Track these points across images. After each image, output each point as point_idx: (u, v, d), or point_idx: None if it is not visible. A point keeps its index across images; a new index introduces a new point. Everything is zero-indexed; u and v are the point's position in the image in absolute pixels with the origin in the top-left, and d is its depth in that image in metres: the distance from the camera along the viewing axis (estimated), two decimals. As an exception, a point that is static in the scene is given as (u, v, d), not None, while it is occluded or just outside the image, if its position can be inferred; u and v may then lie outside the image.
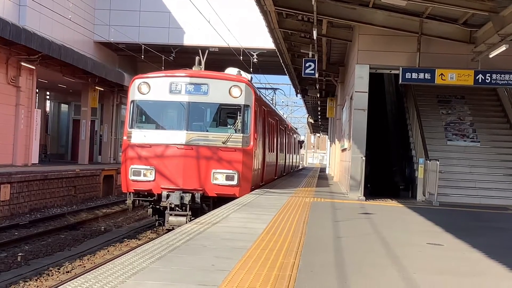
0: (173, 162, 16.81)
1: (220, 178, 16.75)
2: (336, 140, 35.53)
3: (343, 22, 19.67)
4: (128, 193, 17.27)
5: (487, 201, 19.34)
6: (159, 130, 17.58)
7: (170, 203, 16.18)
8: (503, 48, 16.76)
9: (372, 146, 20.59)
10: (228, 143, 16.97)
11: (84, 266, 14.00)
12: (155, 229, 19.28)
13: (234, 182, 16.79)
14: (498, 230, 12.80)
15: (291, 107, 78.88)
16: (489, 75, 18.24)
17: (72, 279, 8.26)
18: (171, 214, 16.34)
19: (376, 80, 22.48)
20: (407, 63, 18.92)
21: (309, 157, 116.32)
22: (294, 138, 46.14)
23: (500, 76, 18.24)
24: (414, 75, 18.72)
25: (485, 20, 17.16)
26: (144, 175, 16.74)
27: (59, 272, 13.23)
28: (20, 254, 14.79)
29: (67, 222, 20.96)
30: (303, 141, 71.33)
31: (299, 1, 18.30)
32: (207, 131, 17.39)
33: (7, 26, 22.76)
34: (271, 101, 37.49)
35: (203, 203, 16.62)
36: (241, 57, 35.66)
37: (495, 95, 24.19)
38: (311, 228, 10.73)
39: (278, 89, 44.72)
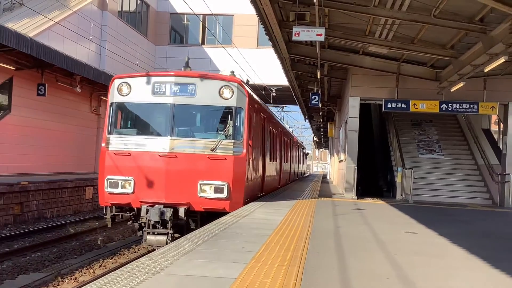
0: (155, 172, 11.67)
1: (208, 191, 11.60)
2: (334, 153, 35.41)
3: (340, 65, 19.73)
4: (105, 207, 12.08)
5: (450, 200, 19.15)
6: (140, 136, 12.19)
7: (148, 220, 11.18)
8: (461, 84, 16.71)
9: (362, 158, 20.47)
10: (217, 150, 11.79)
11: (147, 248, 14.00)
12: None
13: (224, 195, 11.57)
14: (459, 222, 12.65)
15: (301, 129, 78.69)
16: (450, 104, 18.22)
17: (140, 257, 8.26)
18: (149, 232, 11.24)
19: (365, 108, 22.42)
20: (388, 96, 18.88)
21: (315, 167, 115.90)
22: (300, 150, 41.58)
23: (459, 106, 18.26)
24: (394, 105, 18.69)
25: (447, 63, 17.12)
26: (122, 186, 11.74)
27: (129, 252, 13.26)
28: (100, 238, 14.89)
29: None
30: (308, 153, 70.41)
31: (307, 50, 18.37)
32: (194, 136, 12.11)
33: (91, 70, 23.07)
34: (279, 118, 31.99)
35: (190, 219, 11.67)
36: (263, 92, 35.75)
37: (455, 119, 24.04)
38: (317, 219, 10.68)
39: (285, 106, 42.41)
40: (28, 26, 24.62)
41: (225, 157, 11.81)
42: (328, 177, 45.87)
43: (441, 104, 18.27)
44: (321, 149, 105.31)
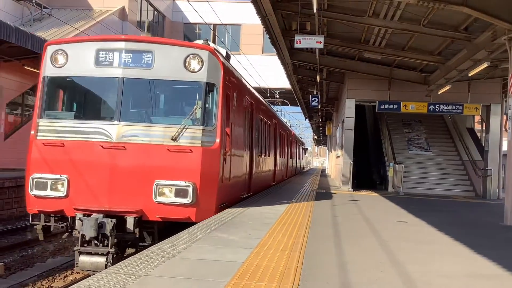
0: (96, 169, 8.07)
1: (167, 194, 8.04)
2: (332, 150, 35.36)
3: (337, 70, 19.69)
4: (31, 215, 8.52)
5: (437, 192, 19.12)
6: (78, 120, 8.51)
7: (82, 234, 7.54)
8: (447, 87, 16.67)
9: (357, 154, 20.45)
10: (180, 140, 8.21)
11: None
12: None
13: (188, 200, 8.01)
14: (445, 212, 12.62)
15: (302, 128, 78.64)
16: (438, 105, 18.20)
17: (156, 243, 8.22)
18: (81, 252, 7.58)
19: (360, 109, 22.37)
20: (381, 98, 18.84)
21: (314, 162, 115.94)
22: (299, 145, 36.92)
23: (446, 107, 18.25)
24: (386, 106, 18.65)
25: (435, 68, 17.07)
26: (53, 188, 8.12)
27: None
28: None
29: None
30: (307, 148, 69.03)
31: (307, 56, 18.35)
32: (149, 121, 8.48)
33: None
34: (277, 113, 25.02)
35: (144, 231, 8.13)
36: (268, 94, 35.72)
37: (442, 119, 23.98)
38: (316, 209, 10.68)
39: (285, 101, 41.13)
40: (56, 35, 24.71)
41: (191, 148, 8.20)
42: (326, 171, 45.82)
43: (429, 105, 18.22)
44: (320, 146, 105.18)
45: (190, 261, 5.08)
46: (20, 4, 27.36)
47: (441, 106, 18.16)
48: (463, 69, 14.60)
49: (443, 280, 4.99)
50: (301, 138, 50.18)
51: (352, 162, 18.77)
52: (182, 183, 8.03)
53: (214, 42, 38.66)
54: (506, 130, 17.88)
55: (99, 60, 8.45)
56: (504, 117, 18.78)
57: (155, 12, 35.58)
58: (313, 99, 23.10)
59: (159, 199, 8.02)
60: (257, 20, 15.40)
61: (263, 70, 35.83)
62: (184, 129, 8.26)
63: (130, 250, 8.73)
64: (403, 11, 12.50)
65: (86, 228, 7.45)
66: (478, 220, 11.33)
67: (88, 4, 30.13)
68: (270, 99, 34.42)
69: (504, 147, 20.09)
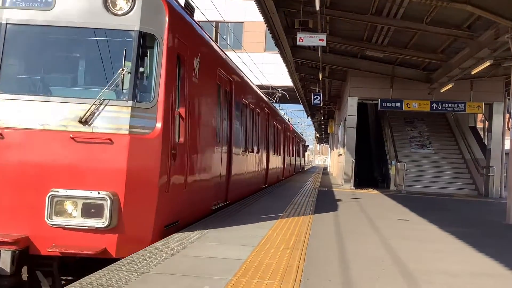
0: None
1: (69, 211, 5.05)
2: (334, 148, 35.34)
3: (339, 68, 19.69)
4: None
5: (439, 190, 19.11)
6: None
7: None
8: (450, 85, 16.67)
9: (359, 152, 20.43)
10: (95, 124, 5.20)
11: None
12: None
13: (103, 222, 5.06)
14: (446, 210, 12.60)
15: (304, 126, 78.65)
16: (440, 104, 18.18)
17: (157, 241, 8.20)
18: None
19: (362, 107, 22.37)
20: (383, 96, 18.83)
21: (316, 160, 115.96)
22: (298, 142, 32.92)
23: (448, 105, 18.22)
24: (388, 104, 18.63)
25: (437, 66, 17.07)
26: None
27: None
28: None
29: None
30: (308, 145, 67.93)
31: (309, 54, 18.34)
32: (47, 93, 5.39)
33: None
34: (276, 106, 22.80)
35: (37, 270, 5.27)
36: (270, 91, 35.71)
37: (444, 118, 23.96)
38: (318, 207, 10.67)
39: (284, 93, 40.71)
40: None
41: (111, 137, 5.26)
42: (328, 170, 45.80)
43: (431, 103, 18.21)
44: (322, 144, 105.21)
45: (192, 258, 5.07)
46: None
47: (444, 104, 18.14)
48: (465, 67, 14.57)
49: (445, 278, 4.98)
50: (301, 134, 47.85)
51: (354, 160, 18.78)
52: (95, 194, 5.12)
53: (216, 39, 38.73)
54: (508, 129, 17.85)
55: None
56: (507, 115, 18.74)
57: (158, 10, 35.61)
58: (315, 97, 23.09)
59: (57, 220, 5.12)
60: (259, 18, 15.38)
61: (265, 68, 35.83)
62: (102, 107, 5.27)
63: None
64: (406, 9, 12.47)
65: None
66: (480, 218, 11.31)
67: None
68: (271, 91, 34.36)
69: (507, 145, 20.10)
